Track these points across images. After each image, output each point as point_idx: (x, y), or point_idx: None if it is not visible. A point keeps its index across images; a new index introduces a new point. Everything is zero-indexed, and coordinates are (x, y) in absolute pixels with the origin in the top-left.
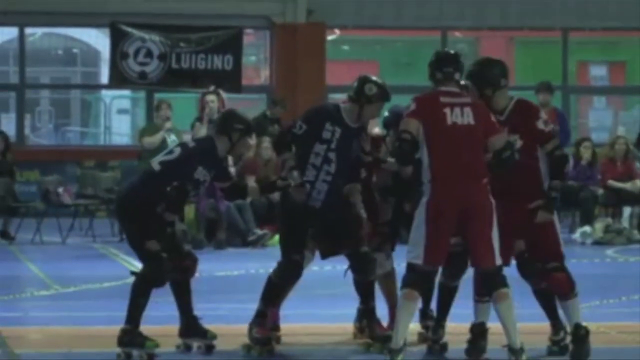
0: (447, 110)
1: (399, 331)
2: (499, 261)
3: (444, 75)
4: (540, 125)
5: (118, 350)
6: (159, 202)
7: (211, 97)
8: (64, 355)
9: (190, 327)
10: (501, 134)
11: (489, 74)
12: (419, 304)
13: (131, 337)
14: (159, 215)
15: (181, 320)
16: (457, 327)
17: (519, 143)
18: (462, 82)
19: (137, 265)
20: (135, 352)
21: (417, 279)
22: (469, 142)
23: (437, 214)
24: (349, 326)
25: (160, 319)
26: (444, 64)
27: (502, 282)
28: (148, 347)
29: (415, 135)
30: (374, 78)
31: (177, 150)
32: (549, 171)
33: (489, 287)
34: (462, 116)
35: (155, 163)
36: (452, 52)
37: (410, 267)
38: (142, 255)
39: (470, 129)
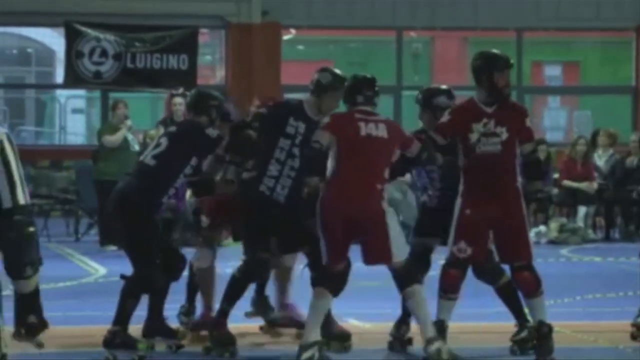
0: (362, 124)
1: (310, 328)
2: (396, 258)
3: (365, 98)
4: (528, 123)
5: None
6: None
7: (179, 100)
8: (19, 355)
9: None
10: (416, 144)
11: None
12: (330, 302)
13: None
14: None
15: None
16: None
17: (504, 135)
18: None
19: (93, 266)
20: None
21: (327, 277)
22: (379, 153)
23: (329, 214)
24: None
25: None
26: (365, 88)
27: (413, 279)
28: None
29: (325, 146)
30: (330, 68)
31: (165, 141)
32: (526, 174)
33: (400, 284)
34: (376, 130)
35: (149, 158)
36: (369, 76)
37: (320, 266)
38: (138, 255)
39: (383, 142)
